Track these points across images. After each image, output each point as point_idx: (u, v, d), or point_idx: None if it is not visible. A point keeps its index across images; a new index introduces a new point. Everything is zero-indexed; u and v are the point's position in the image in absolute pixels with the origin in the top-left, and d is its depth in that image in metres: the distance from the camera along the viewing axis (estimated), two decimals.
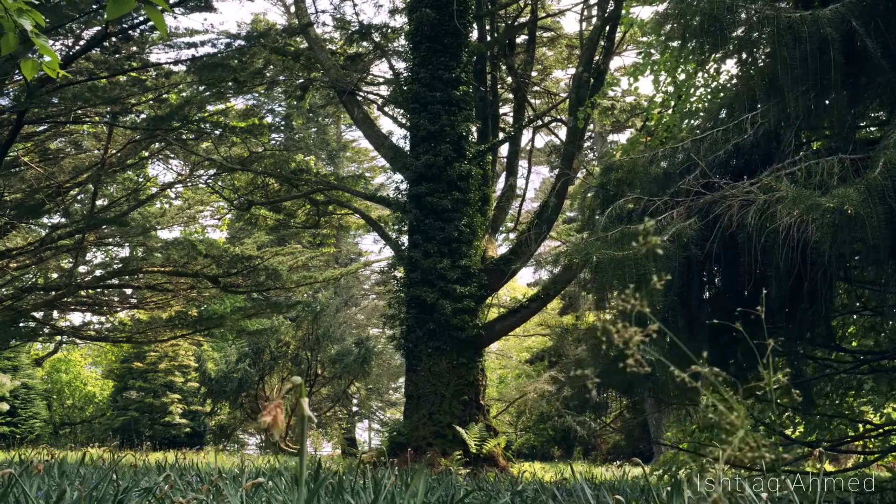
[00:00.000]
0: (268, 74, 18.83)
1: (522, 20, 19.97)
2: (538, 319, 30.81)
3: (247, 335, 26.11)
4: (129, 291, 23.03)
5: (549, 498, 4.13)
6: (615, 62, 25.81)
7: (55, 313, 24.76)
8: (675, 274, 4.19)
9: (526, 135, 21.13)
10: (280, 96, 23.15)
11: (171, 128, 17.21)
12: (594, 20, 18.87)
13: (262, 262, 20.33)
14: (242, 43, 17.17)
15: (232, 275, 20.49)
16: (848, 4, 4.39)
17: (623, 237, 4.46)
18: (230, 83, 16.96)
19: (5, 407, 27.63)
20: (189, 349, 34.75)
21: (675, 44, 9.68)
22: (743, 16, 4.72)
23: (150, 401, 33.39)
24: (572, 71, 20.30)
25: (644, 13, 19.21)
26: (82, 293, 21.63)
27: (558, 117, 20.65)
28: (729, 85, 9.16)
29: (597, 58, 16.31)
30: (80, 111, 16.22)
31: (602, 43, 16.42)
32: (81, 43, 15.44)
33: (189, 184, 22.36)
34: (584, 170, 19.97)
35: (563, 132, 20.35)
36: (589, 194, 5.47)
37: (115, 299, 23.11)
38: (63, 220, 19.65)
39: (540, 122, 21.26)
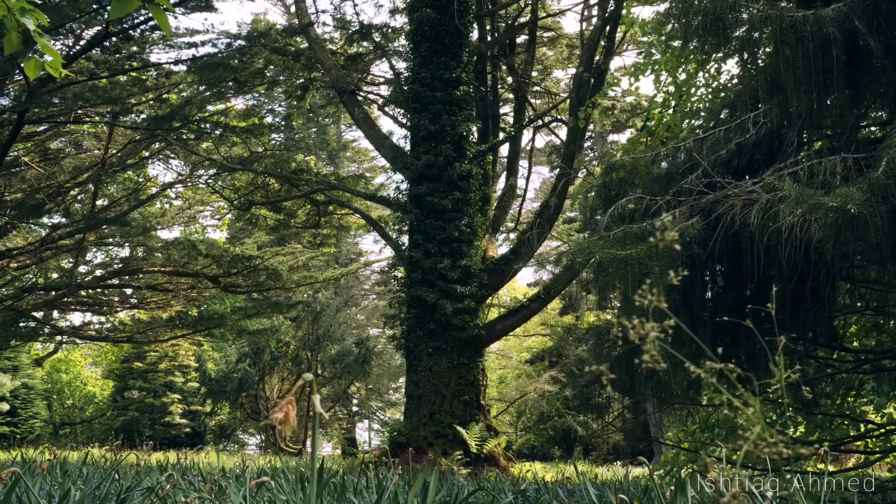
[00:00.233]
0: (268, 74, 18.83)
1: (523, 20, 19.97)
2: (538, 319, 30.82)
3: (247, 335, 26.11)
4: (129, 291, 23.03)
5: (553, 497, 4.12)
6: (615, 62, 25.82)
7: (55, 313, 24.77)
8: (677, 273, 4.18)
9: (526, 135, 21.14)
10: (280, 96, 23.15)
11: (171, 128, 17.21)
12: (594, 20, 18.88)
13: (263, 262, 20.33)
14: (243, 43, 17.17)
15: (232, 275, 20.48)
16: (850, 4, 4.39)
17: (625, 236, 4.46)
18: (231, 83, 16.96)
19: (5, 407, 27.63)
20: (189, 349, 34.76)
21: (676, 43, 9.69)
22: (745, 15, 4.72)
23: (151, 401, 33.39)
24: (573, 71, 20.30)
25: (644, 13, 19.22)
26: (82, 293, 21.62)
27: (559, 117, 20.66)
28: (730, 85, 9.17)
29: (597, 58, 16.31)
30: (80, 111, 16.22)
31: (602, 43, 16.42)
32: (82, 43, 15.44)
33: (189, 184, 22.36)
34: (585, 170, 19.97)
35: (563, 132, 20.36)
36: (591, 194, 5.47)
37: (116, 299, 23.11)
38: (63, 220, 19.65)
39: (540, 122, 21.26)
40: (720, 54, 5.56)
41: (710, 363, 1.09)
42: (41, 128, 18.18)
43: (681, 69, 10.13)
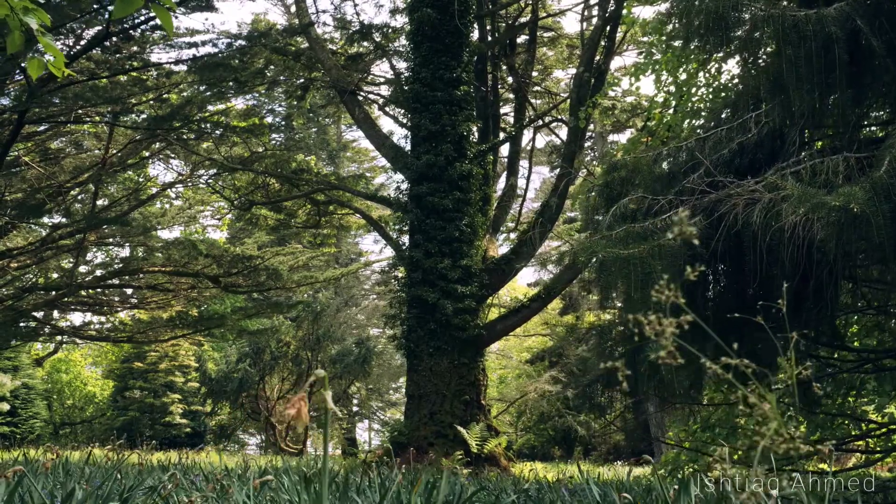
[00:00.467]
0: (269, 74, 18.84)
1: (523, 20, 19.98)
2: (539, 319, 30.83)
3: (247, 335, 26.11)
4: (129, 291, 23.02)
5: (557, 497, 4.12)
6: (616, 62, 25.81)
7: (56, 313, 24.76)
8: (680, 273, 4.18)
9: (526, 135, 21.14)
10: (280, 96, 23.15)
11: (171, 127, 17.21)
12: (595, 20, 18.88)
13: (263, 262, 20.33)
14: (243, 43, 17.17)
15: (232, 275, 20.48)
16: (852, 3, 4.39)
17: (628, 236, 4.46)
18: (231, 83, 16.96)
19: (6, 407, 27.63)
20: (189, 349, 34.75)
21: (676, 43, 9.69)
22: (746, 15, 4.72)
23: (151, 401, 33.39)
24: (573, 71, 20.30)
25: (645, 13, 19.22)
26: (83, 293, 21.62)
27: (559, 117, 20.66)
28: (730, 85, 9.16)
29: (598, 58, 16.32)
30: (80, 111, 16.21)
31: (603, 43, 16.43)
32: (82, 43, 15.44)
33: (189, 184, 22.37)
34: (585, 170, 19.97)
35: (563, 132, 20.36)
36: (592, 193, 5.47)
37: (116, 299, 23.11)
38: (64, 219, 19.64)
39: (541, 122, 21.26)
40: (722, 54, 5.57)
41: (726, 359, 1.09)
42: (41, 128, 18.18)
43: (681, 69, 10.13)
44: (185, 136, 18.47)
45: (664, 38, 10.59)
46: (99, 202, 20.40)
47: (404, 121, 18.80)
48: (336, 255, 33.23)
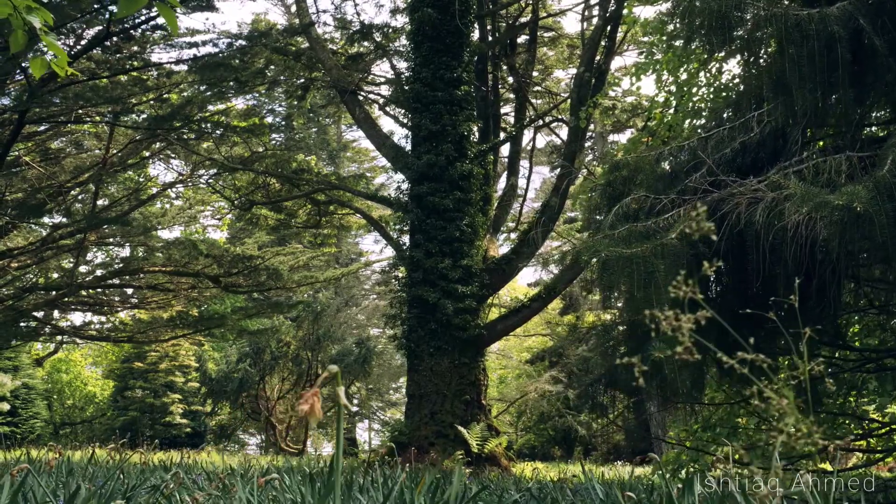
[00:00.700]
0: (269, 74, 18.83)
1: (524, 20, 19.97)
2: (539, 319, 30.83)
3: (247, 335, 26.12)
4: (129, 291, 23.02)
5: (561, 496, 4.12)
6: (616, 62, 25.83)
7: (56, 313, 24.75)
8: (683, 271, 4.19)
9: (527, 135, 21.13)
10: (281, 96, 23.16)
11: (172, 127, 17.21)
12: (595, 20, 18.88)
13: (263, 262, 20.33)
14: (244, 43, 17.17)
15: (233, 275, 20.49)
16: (855, 2, 4.39)
17: (630, 235, 4.46)
18: (231, 83, 16.96)
19: (6, 407, 27.63)
20: (190, 349, 34.75)
21: (678, 43, 9.69)
22: (749, 14, 4.72)
23: (151, 401, 33.38)
24: (573, 71, 20.30)
25: (645, 13, 19.22)
26: (83, 293, 21.62)
27: (559, 117, 20.66)
28: (731, 84, 9.16)
29: (598, 57, 16.31)
30: (81, 111, 16.22)
31: (603, 43, 16.42)
32: (83, 42, 15.44)
33: (190, 183, 22.37)
34: (586, 170, 19.97)
35: (564, 132, 20.36)
36: (595, 192, 5.47)
37: (116, 299, 23.10)
38: (64, 219, 19.64)
39: (541, 122, 21.26)
40: (724, 53, 5.56)
41: (742, 353, 1.09)
42: (42, 127, 18.18)
43: (682, 69, 10.13)
44: (185, 136, 18.48)
45: (665, 37, 10.59)
46: (99, 202, 20.41)
47: (405, 121, 18.80)
48: (336, 255, 33.24)
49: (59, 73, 3.78)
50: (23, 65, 13.99)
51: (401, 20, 20.34)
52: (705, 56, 9.08)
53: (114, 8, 13.93)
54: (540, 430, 33.05)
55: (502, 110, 20.89)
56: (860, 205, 3.68)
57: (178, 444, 30.86)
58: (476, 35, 18.29)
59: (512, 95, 21.61)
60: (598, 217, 6.03)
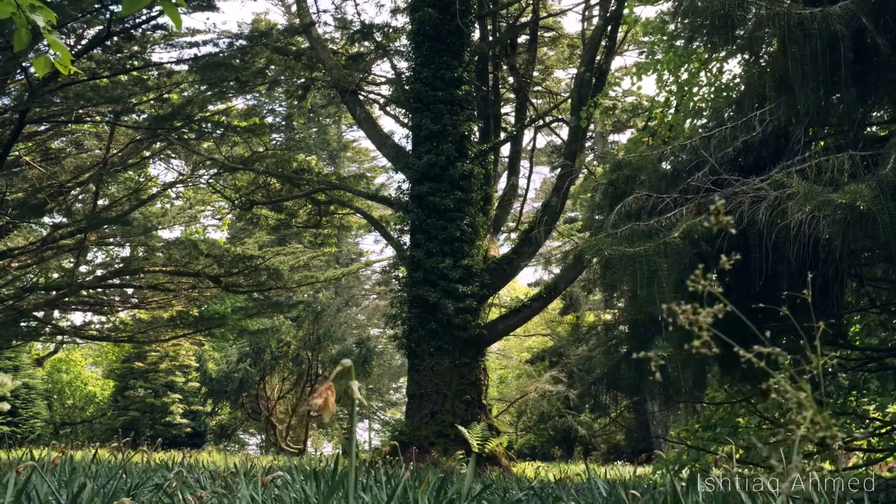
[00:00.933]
0: (269, 74, 18.82)
1: (524, 20, 19.98)
2: (539, 319, 30.83)
3: (248, 335, 26.11)
4: (130, 291, 23.01)
5: (566, 494, 4.12)
6: (616, 62, 25.84)
7: (56, 313, 24.75)
8: (685, 271, 4.19)
9: (527, 135, 21.14)
10: (281, 96, 23.15)
11: (172, 127, 17.20)
12: (595, 20, 18.89)
13: (264, 262, 20.32)
14: (244, 42, 17.17)
15: (233, 274, 20.48)
16: (857, 1, 4.39)
17: (633, 234, 4.46)
18: (232, 83, 16.95)
19: (6, 407, 27.62)
20: (190, 349, 34.75)
21: (679, 43, 9.69)
22: (752, 13, 4.72)
23: (151, 401, 33.38)
24: (574, 71, 20.30)
25: (646, 13, 19.22)
26: (83, 293, 21.61)
27: (560, 117, 20.66)
28: (732, 84, 9.16)
29: (599, 57, 16.32)
30: (81, 111, 16.20)
31: (604, 43, 16.43)
32: (83, 42, 15.44)
33: (190, 183, 22.36)
34: (586, 169, 19.98)
35: (564, 132, 20.36)
36: (598, 191, 5.47)
37: (117, 299, 23.09)
38: (64, 219, 19.63)
39: (542, 122, 21.27)
40: (723, 53, 5.57)
41: (758, 347, 1.09)
42: (42, 127, 18.17)
43: (683, 68, 10.14)
44: (185, 136, 18.47)
45: (665, 37, 10.59)
46: (100, 202, 20.40)
47: (405, 120, 18.80)
48: (336, 255, 33.24)
49: (63, 71, 3.78)
50: (23, 64, 13.99)
51: (401, 20, 20.35)
52: (706, 56, 9.09)
53: (115, 8, 13.94)
54: (540, 430, 33.05)
55: (503, 110, 20.90)
56: (863, 203, 3.68)
57: (179, 443, 30.86)
58: (477, 35, 18.30)
59: (512, 95, 21.62)
60: (598, 217, 6.04)
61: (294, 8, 25.27)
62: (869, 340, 7.67)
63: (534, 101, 22.23)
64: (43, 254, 19.22)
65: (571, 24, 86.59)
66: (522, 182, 33.23)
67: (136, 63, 16.55)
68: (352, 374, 1.14)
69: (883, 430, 7.60)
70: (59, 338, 29.78)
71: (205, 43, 17.14)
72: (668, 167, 5.25)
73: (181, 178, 22.01)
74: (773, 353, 1.07)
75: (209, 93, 17.08)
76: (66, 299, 20.28)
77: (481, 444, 14.78)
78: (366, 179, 22.84)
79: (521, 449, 32.06)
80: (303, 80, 20.16)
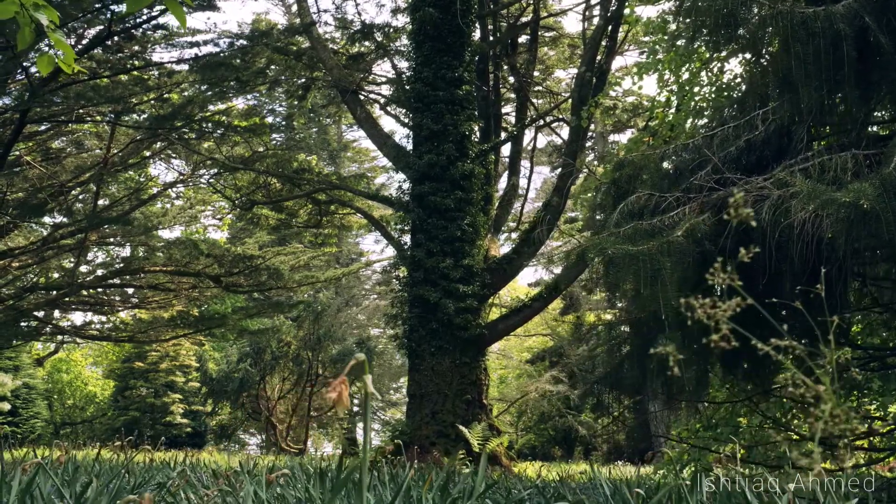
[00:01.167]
0: (270, 74, 18.82)
1: (525, 20, 19.99)
2: (539, 320, 30.82)
3: (248, 335, 26.11)
4: (130, 291, 23.01)
5: (572, 492, 4.12)
6: (617, 62, 25.84)
7: (57, 313, 24.74)
8: (688, 269, 4.19)
9: (528, 134, 21.15)
10: (281, 96, 23.15)
11: (173, 127, 17.20)
12: (596, 20, 18.88)
13: (264, 262, 20.33)
14: (245, 42, 17.16)
15: (234, 274, 20.48)
16: (861, 0, 4.39)
17: (636, 233, 4.46)
18: (233, 82, 16.94)
19: (6, 407, 27.61)
20: (190, 349, 34.74)
21: (680, 42, 9.69)
22: (754, 12, 4.72)
23: (152, 401, 33.37)
24: (574, 70, 20.31)
25: (647, 12, 19.22)
26: (84, 293, 21.61)
27: (560, 117, 20.67)
28: (733, 84, 9.16)
29: (599, 57, 16.32)
30: (82, 110, 16.21)
31: (604, 42, 16.43)
32: (84, 42, 15.44)
33: (191, 183, 22.36)
34: (587, 169, 19.98)
35: (565, 132, 20.38)
36: (601, 190, 5.47)
37: (117, 299, 23.09)
38: (65, 219, 19.63)
39: (542, 122, 21.27)
40: (730, 50, 5.57)
41: (776, 340, 1.09)
42: (43, 127, 18.17)
43: (684, 68, 10.14)
44: (186, 136, 18.47)
45: (666, 37, 10.60)
46: (100, 202, 20.39)
47: (406, 120, 18.81)
48: (337, 254, 33.24)
49: (66, 70, 3.78)
50: (24, 64, 14.00)
51: (402, 20, 20.35)
52: (708, 55, 9.09)
53: (115, 7, 13.95)
54: (540, 430, 33.05)
55: (503, 110, 20.90)
56: (867, 202, 3.68)
57: (179, 444, 30.86)
58: (477, 35, 18.30)
59: (513, 95, 21.63)
60: (600, 216, 6.03)
61: (294, 8, 25.28)
62: (870, 340, 7.67)
63: (534, 100, 22.24)
64: (43, 253, 19.22)
65: (572, 24, 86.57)
66: (523, 182, 33.19)
67: (136, 63, 16.56)
68: (366, 368, 1.14)
69: (884, 430, 7.59)
70: (60, 338, 29.77)
71: (205, 43, 17.14)
72: (671, 166, 5.25)
73: (182, 177, 22.01)
74: (790, 346, 1.06)
75: (210, 93, 17.08)
76: (67, 299, 20.28)
77: (482, 444, 14.77)
78: (366, 179, 22.83)
79: (521, 449, 32.06)
80: (303, 79, 20.16)
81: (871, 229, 3.78)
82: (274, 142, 21.05)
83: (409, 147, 16.86)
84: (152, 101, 17.63)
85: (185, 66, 16.72)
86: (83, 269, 22.38)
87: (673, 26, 10.01)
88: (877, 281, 5.38)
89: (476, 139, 16.99)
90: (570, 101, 18.32)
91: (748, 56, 6.20)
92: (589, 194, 14.53)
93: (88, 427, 35.46)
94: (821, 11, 4.29)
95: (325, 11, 20.97)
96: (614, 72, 20.48)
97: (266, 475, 3.24)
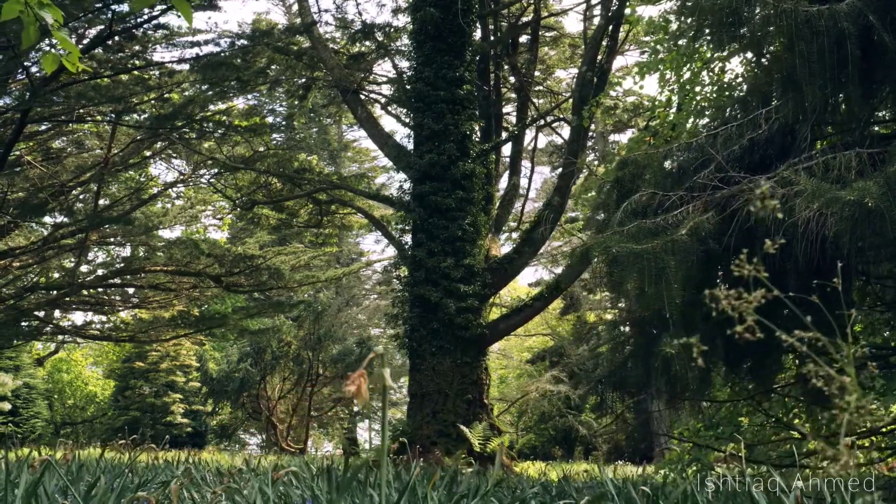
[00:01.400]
0: (271, 73, 18.81)
1: (525, 19, 19.98)
2: (539, 319, 30.82)
3: (248, 335, 26.12)
4: (131, 291, 23.02)
5: (574, 491, 4.13)
6: (617, 62, 25.85)
7: (57, 313, 24.74)
8: (692, 268, 4.19)
9: (528, 134, 21.15)
10: (282, 96, 23.15)
11: (173, 127, 17.20)
12: (597, 20, 18.88)
13: (265, 262, 20.34)
14: (246, 42, 17.16)
15: (234, 274, 20.49)
16: None
17: (639, 231, 4.46)
18: (233, 82, 16.94)
19: (7, 406, 27.62)
20: (191, 349, 34.73)
21: (682, 42, 9.70)
22: (757, 10, 4.72)
23: (152, 400, 33.37)
24: (575, 70, 20.31)
25: (648, 12, 19.23)
26: (84, 292, 21.61)
27: (561, 116, 20.67)
28: (735, 83, 9.17)
29: (600, 57, 16.32)
30: (82, 110, 16.21)
31: (605, 42, 16.43)
32: (85, 41, 15.44)
33: (191, 183, 22.36)
34: (587, 169, 19.99)
35: (565, 131, 20.38)
36: (604, 189, 5.47)
37: (118, 299, 23.10)
38: (66, 219, 19.63)
39: (543, 122, 21.27)
40: (733, 48, 5.57)
41: (799, 332, 1.09)
42: (43, 127, 18.18)
43: (686, 68, 10.15)
44: (187, 136, 18.47)
45: (668, 36, 10.60)
46: (101, 202, 20.39)
47: (407, 120, 18.79)
48: (337, 254, 33.24)
49: (71, 68, 3.78)
50: (25, 64, 14.00)
51: (402, 20, 20.35)
52: (709, 54, 9.10)
53: (116, 7, 13.96)
54: (541, 429, 33.05)
55: (504, 110, 20.90)
56: (871, 200, 3.69)
57: (180, 443, 30.85)
58: (478, 34, 18.30)
59: (514, 95, 21.62)
60: (601, 215, 6.03)
61: (295, 7, 25.29)
62: (873, 339, 7.67)
63: (535, 100, 22.24)
64: (44, 253, 19.23)
65: (573, 24, 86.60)
66: (523, 182, 33.22)
67: (137, 62, 16.56)
68: (383, 360, 1.14)
69: (886, 429, 7.60)
70: (60, 337, 29.77)
71: (206, 42, 17.12)
72: (674, 165, 5.26)
73: (182, 177, 22.01)
74: (814, 337, 1.07)
75: (210, 92, 17.08)
76: (67, 299, 20.29)
77: (483, 444, 14.78)
78: (367, 179, 22.83)
79: (521, 449, 32.06)
80: (304, 79, 20.14)
81: (875, 227, 3.79)
82: (274, 142, 21.05)
83: (410, 147, 16.86)
84: (153, 101, 17.63)
85: (186, 66, 16.72)
86: (84, 268, 22.38)
87: (675, 25, 10.01)
88: (880, 279, 5.38)
89: (477, 139, 16.99)
90: (570, 100, 18.31)
91: (749, 56, 6.21)
92: (590, 194, 14.54)
93: (89, 427, 35.46)
94: (825, 10, 4.29)
95: (326, 11, 21.04)
96: (615, 72, 20.50)
97: (273, 473, 3.24)
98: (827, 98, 4.39)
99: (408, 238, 16.70)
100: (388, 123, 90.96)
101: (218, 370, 33.04)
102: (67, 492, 3.07)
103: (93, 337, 24.51)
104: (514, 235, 23.87)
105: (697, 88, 10.06)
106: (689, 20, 6.01)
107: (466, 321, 15.25)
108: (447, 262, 15.27)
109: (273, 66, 18.81)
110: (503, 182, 20.47)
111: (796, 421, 8.09)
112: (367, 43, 19.61)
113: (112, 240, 21.39)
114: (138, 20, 15.08)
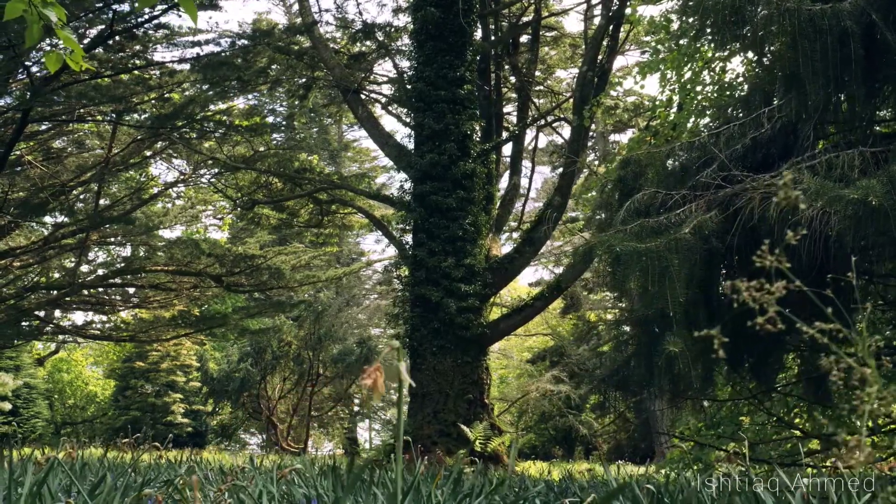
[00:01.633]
0: (271, 73, 18.81)
1: (526, 19, 19.99)
2: (539, 319, 30.81)
3: (249, 335, 26.13)
4: (131, 290, 23.02)
5: (578, 489, 4.13)
6: (618, 62, 25.86)
7: (58, 312, 24.75)
8: (696, 266, 4.19)
9: (529, 134, 21.16)
10: (282, 96, 23.13)
11: (174, 126, 17.19)
12: (597, 19, 18.89)
13: (266, 262, 20.34)
14: (246, 42, 17.16)
15: (235, 274, 20.48)
16: None
17: (642, 230, 4.46)
18: (234, 82, 16.94)
19: (7, 406, 27.61)
20: (191, 349, 34.72)
21: (683, 41, 9.70)
22: (760, 9, 4.73)
23: (152, 400, 33.37)
24: (575, 70, 20.31)
25: (649, 12, 19.23)
26: (85, 292, 21.61)
27: (562, 116, 20.68)
28: (736, 83, 9.18)
29: (600, 57, 16.33)
30: (83, 110, 16.21)
31: (606, 42, 16.44)
32: (86, 41, 15.43)
33: (192, 183, 22.36)
34: (588, 169, 20.00)
35: (566, 131, 20.39)
36: (607, 187, 5.48)
37: (118, 298, 23.10)
38: (66, 219, 19.62)
39: (543, 122, 21.28)
40: (734, 48, 5.57)
41: (820, 324, 1.09)
42: (44, 126, 18.17)
43: (686, 67, 10.15)
44: (187, 136, 18.47)
45: (669, 36, 10.61)
46: (101, 201, 20.39)
47: (407, 120, 18.81)
48: (337, 254, 33.24)
49: (74, 67, 3.78)
50: (26, 63, 14.00)
51: (403, 19, 20.34)
52: (711, 53, 9.10)
53: (117, 7, 13.95)
54: (541, 429, 33.04)
55: (505, 109, 20.91)
56: (875, 199, 3.69)
57: (180, 443, 30.84)
58: (479, 34, 18.30)
59: (514, 94, 21.63)
60: (603, 215, 6.04)
61: (295, 7, 25.29)
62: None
63: (536, 100, 22.24)
64: (44, 253, 19.23)
65: (573, 24, 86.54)
66: (524, 182, 33.19)
67: (138, 62, 16.55)
68: (400, 354, 1.14)
69: (888, 429, 7.60)
70: (61, 337, 29.78)
71: (207, 42, 17.11)
72: (677, 164, 5.26)
73: (183, 177, 22.00)
74: (835, 328, 1.07)
75: (211, 92, 17.08)
76: (68, 299, 20.29)
77: (483, 444, 14.78)
78: (367, 179, 22.82)
79: (521, 448, 32.06)
80: (304, 79, 20.14)
81: (878, 226, 3.79)
82: (275, 141, 21.04)
83: (411, 146, 16.86)
84: (153, 101, 17.62)
85: (187, 66, 16.72)
86: (84, 268, 22.38)
87: (676, 25, 10.02)
88: (882, 278, 5.38)
89: (477, 138, 16.99)
90: (571, 100, 18.32)
91: (751, 55, 6.21)
92: (591, 193, 14.55)
93: (89, 427, 35.46)
94: (828, 8, 4.30)
95: (327, 11, 21.04)
96: (616, 71, 20.51)
97: (277, 471, 3.25)
98: (829, 97, 4.39)
99: (408, 238, 16.70)
100: (388, 123, 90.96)
101: (218, 370, 33.04)
102: (72, 490, 3.07)
103: (93, 337, 24.51)
104: (515, 235, 23.88)
105: (698, 88, 10.08)
106: (691, 19, 6.02)
107: (467, 321, 15.25)
108: (448, 262, 15.28)
109: (274, 66, 18.81)
110: (504, 182, 20.48)
111: (798, 420, 8.09)
112: (368, 43, 19.61)
113: (112, 240, 21.39)
114: (139, 20, 15.07)
